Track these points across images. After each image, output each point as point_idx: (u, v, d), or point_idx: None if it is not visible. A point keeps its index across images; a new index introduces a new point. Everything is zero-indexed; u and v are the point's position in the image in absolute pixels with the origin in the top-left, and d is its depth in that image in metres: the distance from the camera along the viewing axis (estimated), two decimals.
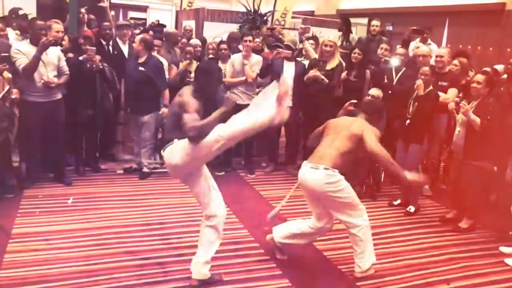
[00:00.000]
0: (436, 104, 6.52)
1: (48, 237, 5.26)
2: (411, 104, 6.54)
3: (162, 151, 4.49)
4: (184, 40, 9.26)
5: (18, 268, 4.59)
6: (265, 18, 11.17)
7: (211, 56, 8.22)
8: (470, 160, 6.00)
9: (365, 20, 14.27)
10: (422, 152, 6.72)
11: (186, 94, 4.38)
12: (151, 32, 8.50)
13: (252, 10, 11.11)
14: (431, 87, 6.51)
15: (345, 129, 4.90)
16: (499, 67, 7.45)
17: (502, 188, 6.29)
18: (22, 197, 6.30)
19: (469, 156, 6.00)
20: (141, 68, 7.02)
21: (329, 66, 7.54)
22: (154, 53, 7.51)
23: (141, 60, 7.09)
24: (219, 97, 7.95)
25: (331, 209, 4.85)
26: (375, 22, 9.36)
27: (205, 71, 4.54)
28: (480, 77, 6.01)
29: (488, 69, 6.65)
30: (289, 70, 7.55)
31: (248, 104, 7.39)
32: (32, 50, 6.21)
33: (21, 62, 6.17)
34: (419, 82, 6.43)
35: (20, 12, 8.29)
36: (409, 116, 6.56)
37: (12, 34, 7.82)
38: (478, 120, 5.75)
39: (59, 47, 6.73)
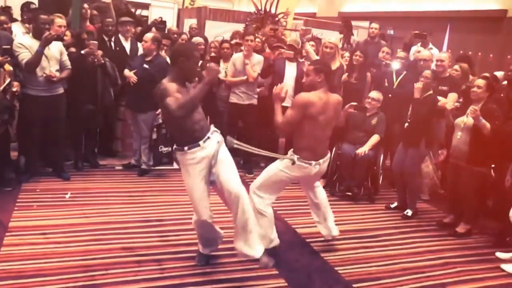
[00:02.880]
0: (434, 108, 6.51)
1: (45, 231, 5.23)
2: (410, 108, 6.54)
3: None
4: (184, 36, 9.26)
5: (15, 261, 4.56)
6: (276, 19, 11.14)
7: (212, 54, 8.21)
8: (474, 165, 6.00)
9: (366, 24, 14.29)
10: (420, 156, 6.71)
11: (163, 82, 4.34)
12: (153, 29, 8.48)
13: (263, 10, 11.08)
14: (431, 92, 6.51)
15: (332, 120, 4.95)
16: (499, 74, 7.44)
17: (499, 193, 6.28)
18: (20, 191, 6.28)
19: (473, 161, 5.99)
20: (145, 66, 7.00)
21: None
22: (162, 52, 7.51)
23: (148, 58, 7.07)
24: (220, 96, 7.96)
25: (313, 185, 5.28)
26: (374, 25, 9.37)
27: (181, 53, 4.41)
28: (480, 82, 6.02)
29: (487, 75, 6.64)
30: (291, 70, 7.54)
31: (250, 104, 7.47)
32: (34, 44, 6.20)
33: (24, 56, 6.16)
34: (417, 84, 6.43)
35: (32, 7, 8.32)
36: (408, 120, 6.56)
37: (20, 27, 7.83)
38: (488, 125, 5.74)
39: (61, 42, 6.70)
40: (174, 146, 4.54)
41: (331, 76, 5.21)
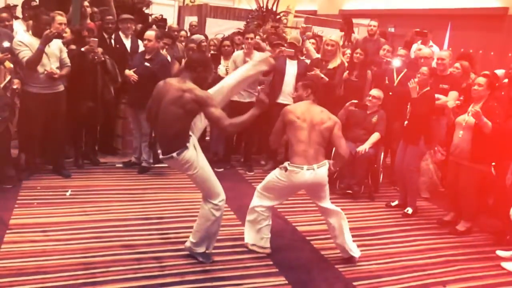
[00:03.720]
0: (432, 105, 6.53)
1: (46, 229, 5.24)
2: (409, 106, 6.55)
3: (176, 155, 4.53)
4: (183, 33, 9.25)
5: (15, 258, 4.57)
6: (277, 16, 11.14)
7: (212, 52, 8.20)
8: (475, 163, 6.00)
9: (367, 21, 14.30)
10: (419, 153, 6.72)
11: (195, 88, 4.42)
12: (154, 27, 8.46)
13: (264, 8, 11.07)
14: (427, 88, 6.52)
15: (317, 124, 4.99)
16: (499, 72, 7.43)
17: (500, 191, 6.28)
18: (21, 188, 6.28)
19: (474, 159, 6.00)
20: (146, 64, 6.99)
21: (331, 65, 7.52)
22: (163, 51, 7.50)
23: (148, 56, 7.06)
24: None
25: (321, 199, 5.10)
26: (372, 22, 9.42)
27: (200, 63, 4.62)
28: (481, 80, 6.02)
29: (488, 73, 6.65)
30: (291, 68, 7.54)
31: (250, 102, 7.42)
32: (34, 42, 6.20)
33: (25, 54, 6.16)
34: (411, 84, 6.44)
35: (33, 4, 8.32)
36: (407, 118, 6.57)
37: (22, 25, 7.83)
38: (490, 123, 5.73)
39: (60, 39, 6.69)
40: (174, 154, 4.50)
41: (319, 91, 5.31)
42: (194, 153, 4.56)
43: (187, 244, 4.92)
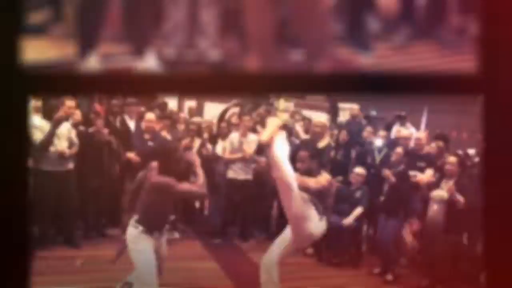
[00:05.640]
0: (408, 182, 6.66)
1: None
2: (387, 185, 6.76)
3: None
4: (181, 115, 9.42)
5: None
6: (270, 101, 11.33)
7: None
8: (450, 234, 6.07)
9: (349, 105, 14.51)
10: (399, 225, 6.78)
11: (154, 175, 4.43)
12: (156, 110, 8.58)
13: None
14: (402, 167, 6.70)
15: None
16: (471, 151, 7.56)
17: (471, 259, 6.28)
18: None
19: (449, 230, 6.07)
20: (150, 143, 7.06)
21: (320, 145, 7.61)
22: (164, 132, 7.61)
23: (148, 136, 7.14)
24: (218, 171, 7.98)
25: None
26: (355, 106, 9.62)
27: (157, 154, 4.72)
28: (453, 159, 6.19)
29: (460, 152, 6.79)
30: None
31: (246, 179, 7.44)
32: (44, 125, 6.35)
33: (36, 137, 6.23)
34: (384, 173, 6.65)
35: None
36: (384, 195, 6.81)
37: None
38: (462, 199, 5.85)
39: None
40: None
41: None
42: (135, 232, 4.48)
43: None
